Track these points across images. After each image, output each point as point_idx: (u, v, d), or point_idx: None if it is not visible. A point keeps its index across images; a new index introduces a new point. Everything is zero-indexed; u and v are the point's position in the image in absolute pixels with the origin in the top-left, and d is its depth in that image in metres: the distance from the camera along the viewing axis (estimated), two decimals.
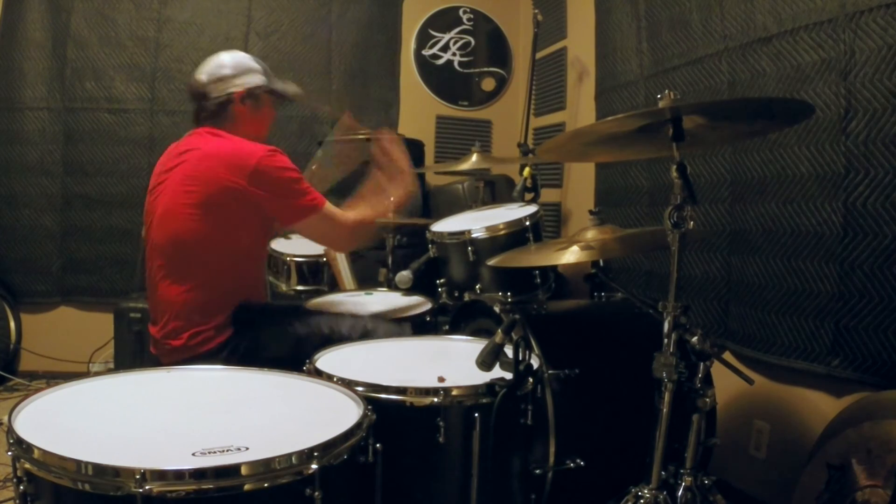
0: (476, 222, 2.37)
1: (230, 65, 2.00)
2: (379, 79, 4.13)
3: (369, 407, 1.26)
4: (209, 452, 1.04)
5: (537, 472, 1.78)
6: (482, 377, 1.41)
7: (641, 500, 1.42)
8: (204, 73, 2.00)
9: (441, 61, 4.27)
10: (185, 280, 1.87)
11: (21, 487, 1.05)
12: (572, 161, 3.42)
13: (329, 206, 1.95)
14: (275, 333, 1.94)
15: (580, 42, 3.56)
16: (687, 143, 1.41)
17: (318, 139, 3.80)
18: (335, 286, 2.86)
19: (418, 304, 2.47)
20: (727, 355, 2.34)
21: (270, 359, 1.54)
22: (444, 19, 4.25)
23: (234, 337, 1.89)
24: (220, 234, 1.86)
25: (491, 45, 4.35)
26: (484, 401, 1.39)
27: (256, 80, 2.01)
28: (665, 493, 1.42)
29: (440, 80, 4.27)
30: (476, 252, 2.27)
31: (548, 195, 3.67)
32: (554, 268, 2.49)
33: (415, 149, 3.79)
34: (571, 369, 1.83)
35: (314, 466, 1.05)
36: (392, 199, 2.08)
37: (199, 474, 0.98)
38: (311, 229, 1.99)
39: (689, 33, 2.59)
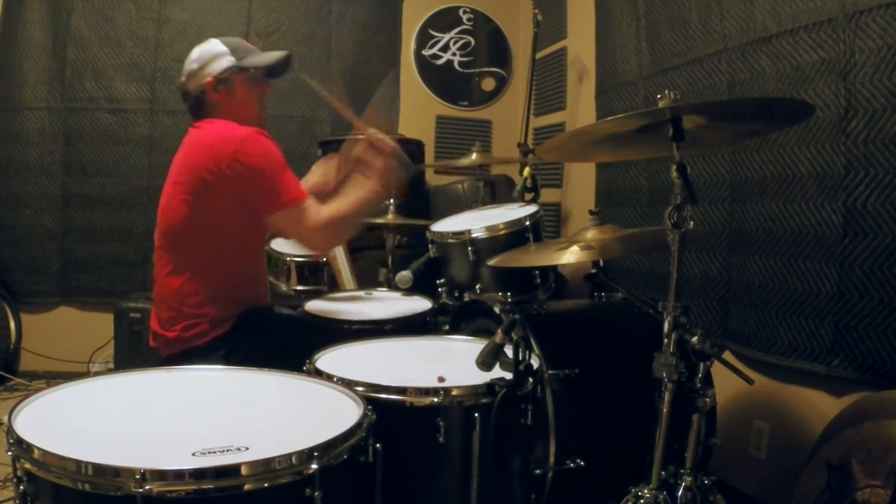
0: (476, 222, 2.37)
1: (196, 58, 2.00)
2: (379, 79, 4.12)
3: (369, 407, 1.26)
4: (209, 452, 1.04)
5: (537, 472, 1.78)
6: (482, 377, 1.41)
7: (641, 500, 1.42)
8: (182, 73, 2.03)
9: (441, 61, 4.27)
10: (179, 270, 1.90)
11: (21, 487, 1.05)
12: (572, 161, 3.42)
13: (306, 203, 1.87)
14: (274, 335, 1.94)
15: (580, 42, 3.56)
16: (687, 143, 1.41)
17: (318, 139, 3.81)
18: (335, 286, 2.86)
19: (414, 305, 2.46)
20: (727, 355, 2.34)
21: (268, 360, 1.54)
22: (444, 19, 4.25)
23: (232, 335, 1.89)
24: (207, 223, 1.87)
25: (491, 45, 4.35)
26: (484, 401, 1.39)
27: (223, 63, 1.98)
28: (665, 493, 1.42)
29: (440, 80, 4.27)
30: (476, 252, 2.27)
31: (548, 195, 3.67)
32: (554, 268, 2.49)
33: (415, 149, 3.79)
34: (571, 369, 1.83)
35: (314, 466, 1.05)
36: (372, 190, 1.97)
37: (199, 474, 0.98)
38: (281, 224, 1.91)
39: (689, 33, 2.59)
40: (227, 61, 1.99)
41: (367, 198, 1.97)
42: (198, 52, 2.00)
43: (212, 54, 1.98)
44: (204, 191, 1.84)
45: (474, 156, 3.01)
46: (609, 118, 1.42)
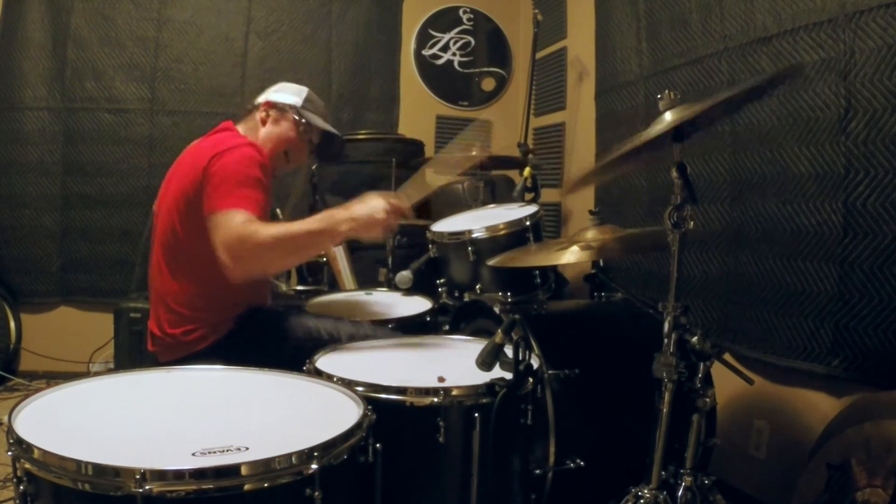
0: (476, 222, 2.37)
1: (281, 86, 2.10)
2: (379, 79, 4.13)
3: (369, 407, 1.26)
4: (209, 452, 1.04)
5: (537, 472, 1.78)
6: (482, 377, 1.41)
7: (641, 500, 1.42)
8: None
9: (441, 61, 4.27)
10: (177, 274, 1.89)
11: (21, 487, 1.05)
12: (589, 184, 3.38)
13: (240, 213, 1.64)
14: (273, 337, 1.94)
15: (580, 42, 3.56)
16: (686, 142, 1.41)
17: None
18: (335, 286, 2.86)
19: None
20: (727, 355, 2.34)
21: (268, 361, 1.54)
22: (444, 19, 4.25)
23: (232, 339, 1.89)
24: (199, 228, 1.81)
25: (491, 45, 4.35)
26: (484, 401, 1.39)
27: (291, 100, 2.07)
28: (665, 493, 1.42)
29: (440, 80, 4.27)
30: (476, 252, 2.27)
31: (548, 195, 3.66)
32: (554, 268, 2.49)
33: (415, 149, 3.79)
34: (571, 369, 1.83)
35: (314, 466, 1.05)
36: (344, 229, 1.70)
37: (199, 474, 0.98)
38: (212, 231, 1.69)
39: (689, 33, 2.59)
40: (294, 101, 2.07)
41: (327, 229, 1.70)
42: (286, 84, 2.11)
43: (291, 90, 2.09)
44: (194, 196, 1.80)
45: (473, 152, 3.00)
46: (615, 153, 1.42)
